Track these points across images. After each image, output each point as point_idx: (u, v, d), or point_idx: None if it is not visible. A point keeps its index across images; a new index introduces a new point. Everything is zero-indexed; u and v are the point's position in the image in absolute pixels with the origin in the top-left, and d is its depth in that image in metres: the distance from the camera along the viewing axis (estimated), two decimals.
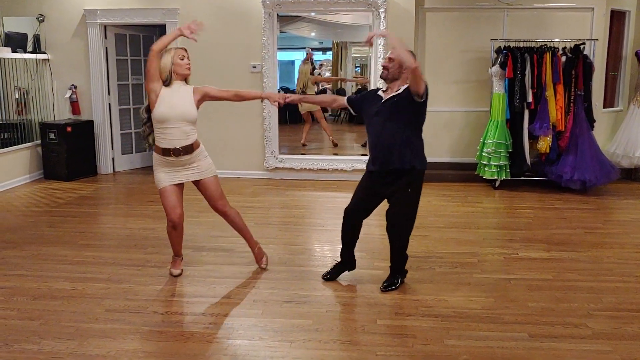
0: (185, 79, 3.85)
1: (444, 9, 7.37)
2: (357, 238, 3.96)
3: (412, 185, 3.69)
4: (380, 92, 3.82)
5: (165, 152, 3.81)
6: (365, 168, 3.91)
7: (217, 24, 7.17)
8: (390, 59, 3.67)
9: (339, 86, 10.14)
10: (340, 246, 4.00)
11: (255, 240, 4.25)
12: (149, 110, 3.81)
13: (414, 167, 3.65)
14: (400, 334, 3.22)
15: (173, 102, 3.74)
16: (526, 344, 3.11)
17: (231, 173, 7.35)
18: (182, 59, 3.80)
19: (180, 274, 4.09)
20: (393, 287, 3.83)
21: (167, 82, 3.78)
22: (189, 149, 3.83)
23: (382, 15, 6.93)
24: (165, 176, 3.90)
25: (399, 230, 3.76)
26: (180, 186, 3.96)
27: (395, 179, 3.66)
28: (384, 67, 3.70)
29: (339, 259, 4.04)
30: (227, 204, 4.10)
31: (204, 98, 3.90)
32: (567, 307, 3.58)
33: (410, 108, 3.60)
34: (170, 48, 3.81)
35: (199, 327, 3.30)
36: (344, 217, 3.89)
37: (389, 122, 3.64)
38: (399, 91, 3.66)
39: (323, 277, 3.99)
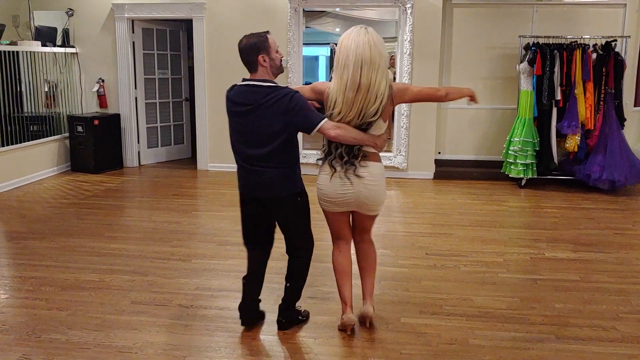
0: None
1: (472, 4, 7.28)
2: None
3: None
4: None
5: None
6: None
7: (243, 19, 7.19)
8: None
9: None
10: None
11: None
12: None
13: None
14: (425, 333, 3.20)
15: None
16: (553, 345, 3.07)
17: None
18: None
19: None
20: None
21: None
22: None
23: (409, 11, 6.87)
24: None
25: None
26: None
27: None
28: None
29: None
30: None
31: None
32: (595, 309, 3.53)
33: None
34: None
35: (223, 321, 3.32)
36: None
37: None
38: None
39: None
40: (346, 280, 3.19)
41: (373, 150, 2.96)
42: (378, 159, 3.00)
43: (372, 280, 3.24)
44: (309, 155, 7.32)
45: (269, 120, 2.90)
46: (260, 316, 3.36)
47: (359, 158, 2.92)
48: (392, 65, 8.45)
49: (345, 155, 2.92)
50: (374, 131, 2.90)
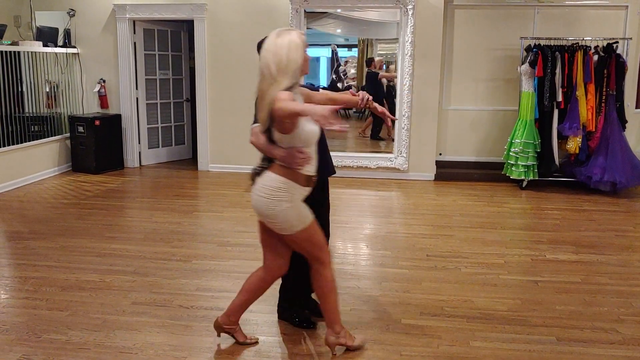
0: None
1: (473, 6, 7.27)
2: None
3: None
4: None
5: (309, 181, 2.82)
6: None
7: (244, 20, 7.19)
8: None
9: (364, 83, 10.11)
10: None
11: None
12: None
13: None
14: (425, 334, 3.19)
15: None
16: (554, 347, 3.06)
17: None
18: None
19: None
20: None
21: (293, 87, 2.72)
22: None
23: (411, 12, 6.87)
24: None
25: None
26: None
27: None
28: None
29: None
30: None
31: None
32: (596, 310, 3.52)
33: None
34: (298, 33, 2.79)
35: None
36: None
37: None
38: None
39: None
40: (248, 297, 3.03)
41: (280, 162, 2.74)
42: (279, 172, 2.72)
43: (326, 308, 2.92)
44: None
45: None
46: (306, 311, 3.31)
47: (265, 166, 2.79)
48: (380, 67, 8.48)
49: (260, 162, 2.84)
50: (279, 143, 2.73)
